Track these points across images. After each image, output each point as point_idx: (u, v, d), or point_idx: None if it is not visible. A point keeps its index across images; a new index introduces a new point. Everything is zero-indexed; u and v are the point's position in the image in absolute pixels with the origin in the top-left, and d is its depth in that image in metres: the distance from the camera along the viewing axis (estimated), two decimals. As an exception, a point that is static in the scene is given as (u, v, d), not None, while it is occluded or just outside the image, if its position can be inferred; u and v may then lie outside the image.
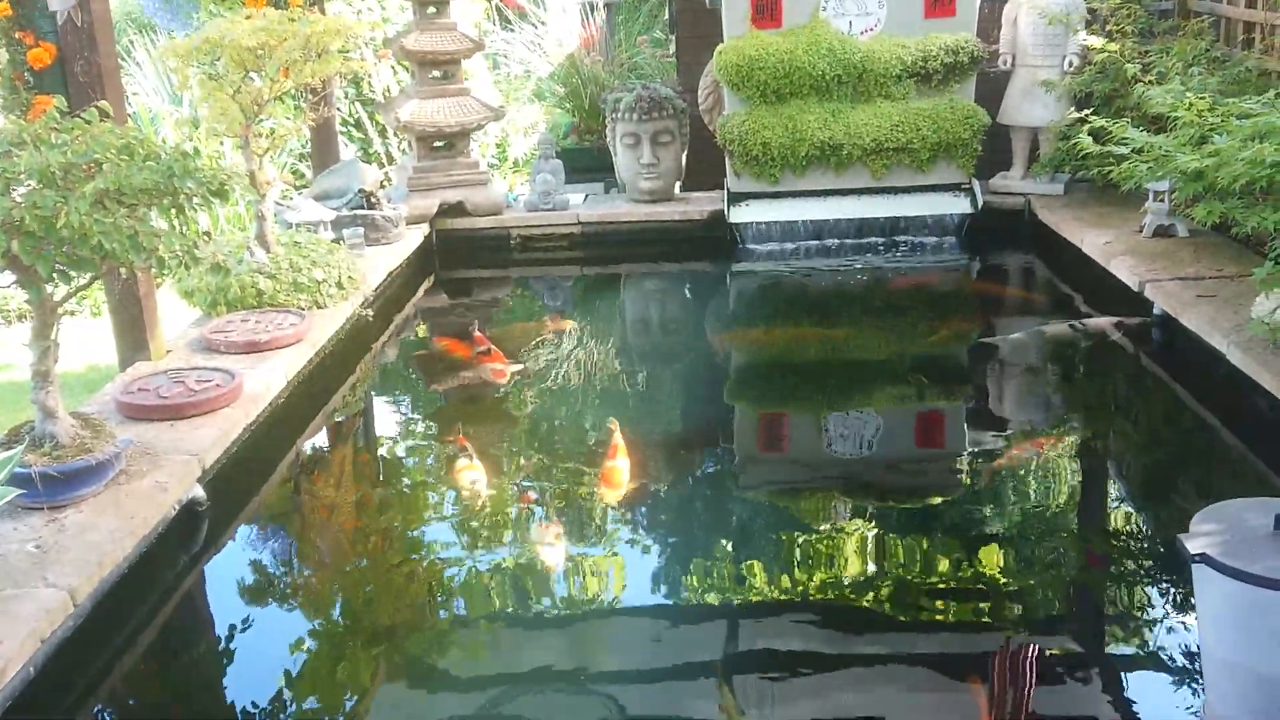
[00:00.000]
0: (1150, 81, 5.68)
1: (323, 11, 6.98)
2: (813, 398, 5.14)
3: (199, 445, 3.90)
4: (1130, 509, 4.14)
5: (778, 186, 7.19)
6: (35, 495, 3.28)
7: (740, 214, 7.22)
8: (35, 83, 4.49)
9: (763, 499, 4.25)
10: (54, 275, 3.15)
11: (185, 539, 3.73)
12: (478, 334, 5.73)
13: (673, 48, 9.01)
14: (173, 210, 3.36)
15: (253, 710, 2.98)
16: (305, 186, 7.91)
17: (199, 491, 3.82)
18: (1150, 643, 3.16)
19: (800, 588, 3.50)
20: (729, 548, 3.78)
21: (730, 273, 7.15)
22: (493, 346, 5.48)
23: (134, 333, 4.76)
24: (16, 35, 4.44)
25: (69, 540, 3.22)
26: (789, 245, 7.30)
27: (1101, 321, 5.47)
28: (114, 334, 4.82)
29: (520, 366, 5.36)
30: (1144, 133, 4.76)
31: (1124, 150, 4.74)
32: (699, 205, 7.51)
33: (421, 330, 6.45)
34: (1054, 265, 6.71)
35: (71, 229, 2.96)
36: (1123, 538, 3.90)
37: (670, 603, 3.52)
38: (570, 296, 7.16)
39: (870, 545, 3.76)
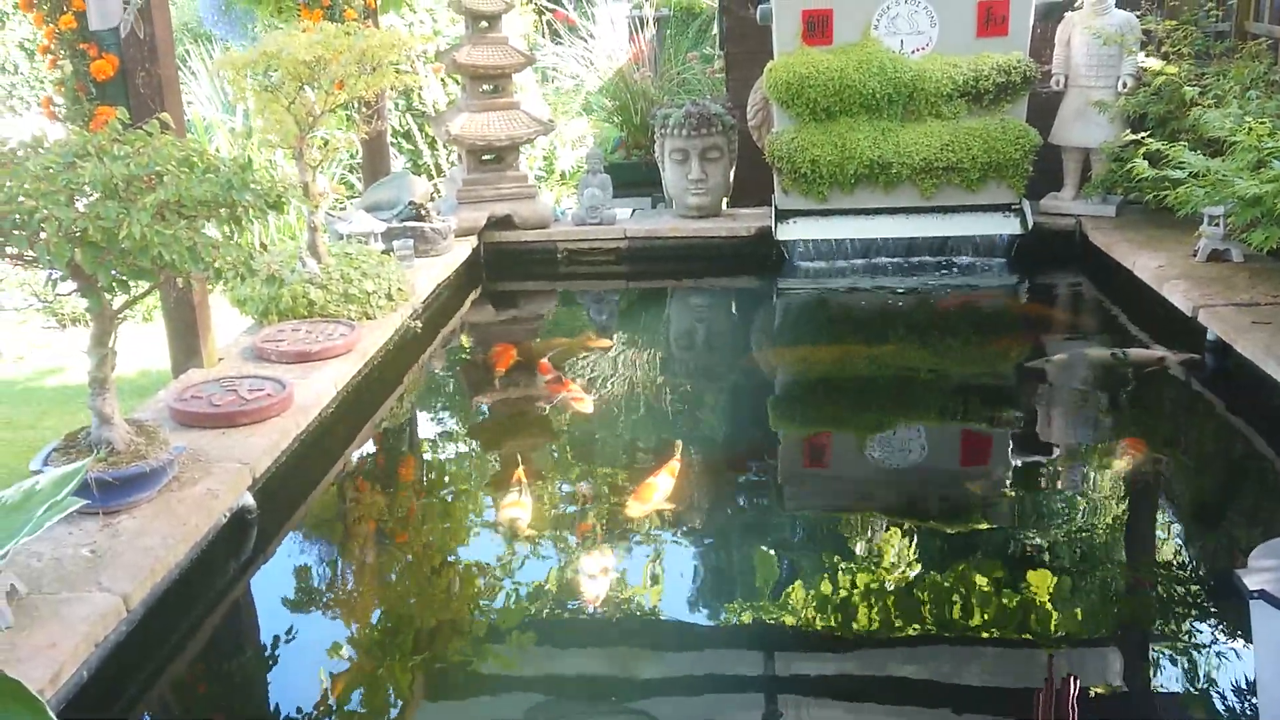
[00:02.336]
0: (1208, 105, 5.61)
1: (376, 25, 7.07)
2: (858, 416, 5.11)
3: (250, 454, 3.94)
4: (1181, 539, 4.08)
5: (826, 204, 7.18)
6: (90, 500, 3.32)
7: (788, 231, 7.21)
8: (97, 94, 4.57)
9: (806, 518, 4.23)
10: (114, 285, 3.19)
11: (235, 546, 3.77)
12: (543, 363, 5.57)
13: (722, 63, 9.02)
14: (230, 222, 3.41)
15: (297, 717, 3.00)
16: (356, 198, 7.99)
17: (249, 499, 3.86)
18: (1201, 679, 3.10)
19: (841, 609, 3.47)
20: (771, 566, 3.77)
21: (777, 290, 7.14)
22: (562, 375, 5.36)
23: (187, 340, 4.82)
24: (80, 47, 4.52)
25: (123, 545, 3.26)
26: (836, 263, 7.28)
27: (1148, 354, 5.37)
28: (168, 341, 4.90)
29: (594, 396, 5.18)
30: (1200, 156, 4.70)
31: (1180, 174, 4.69)
32: (746, 222, 7.50)
33: (467, 342, 6.48)
34: (1104, 288, 6.64)
35: (133, 240, 3.01)
36: (1173, 569, 3.84)
37: (710, 620, 3.51)
38: (616, 311, 7.17)
39: (913, 568, 3.72)
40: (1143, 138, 5.47)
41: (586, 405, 5.04)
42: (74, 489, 2.04)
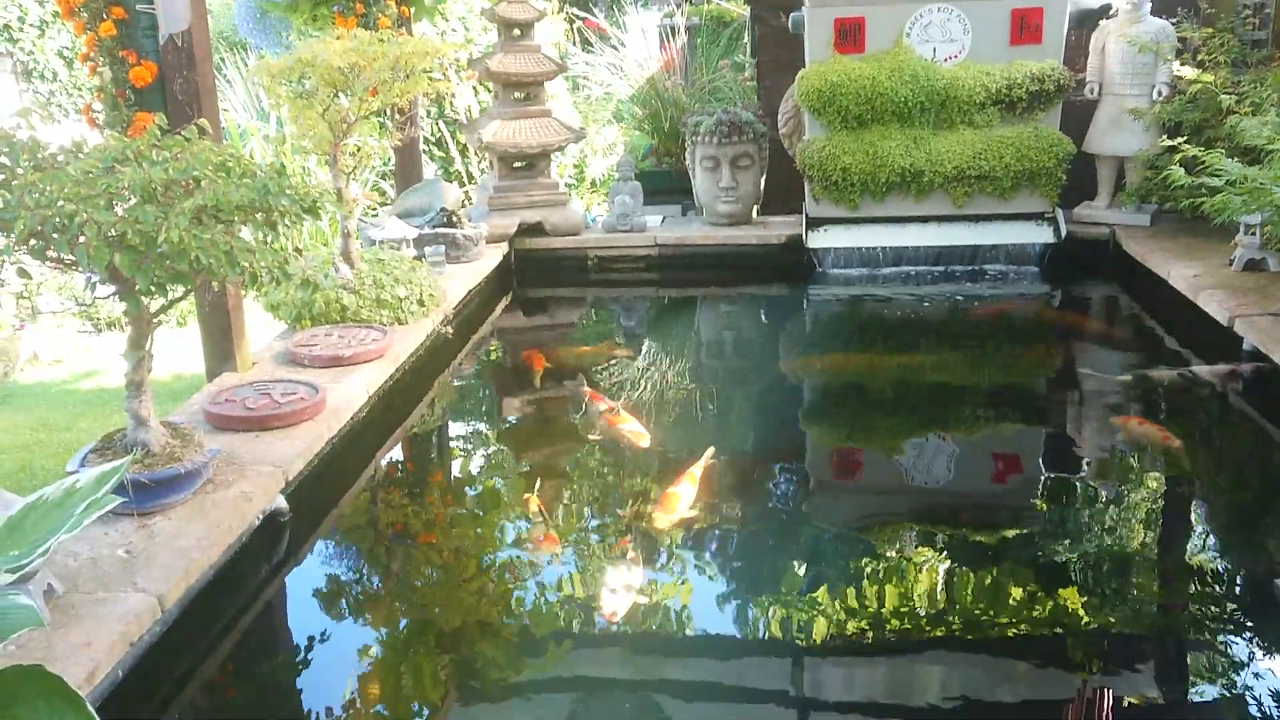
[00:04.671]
0: (1245, 113, 5.56)
1: (410, 33, 7.11)
2: (888, 425, 5.09)
3: (283, 457, 3.97)
4: (1216, 550, 4.03)
5: (857, 212, 7.17)
6: (126, 501, 3.36)
7: (818, 239, 7.20)
8: (136, 100, 4.63)
9: (834, 527, 4.20)
10: (152, 288, 3.23)
11: (268, 548, 3.79)
12: (587, 389, 5.21)
13: (753, 71, 9.03)
14: (265, 227, 3.44)
15: (327, 718, 3.01)
16: (388, 204, 8.04)
17: (282, 503, 3.89)
18: (1238, 691, 3.06)
19: (871, 619, 3.45)
20: (799, 575, 3.75)
21: (807, 298, 7.12)
22: (618, 405, 4.98)
23: (222, 344, 4.87)
24: (119, 54, 4.58)
25: (158, 546, 3.29)
26: (867, 271, 7.26)
27: (1215, 368, 5.21)
28: (202, 344, 4.94)
29: (648, 432, 4.73)
30: (1237, 164, 4.66)
31: (1217, 182, 4.64)
32: (777, 230, 7.50)
33: (497, 348, 6.50)
34: (1139, 297, 6.58)
35: (171, 244, 3.04)
36: (1209, 580, 3.80)
37: (737, 629, 3.49)
38: (646, 318, 7.18)
39: (944, 578, 3.70)
40: (1180, 143, 5.42)
41: (644, 440, 4.65)
42: (113, 487, 2.06)
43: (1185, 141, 5.50)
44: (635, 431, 4.69)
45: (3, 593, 1.92)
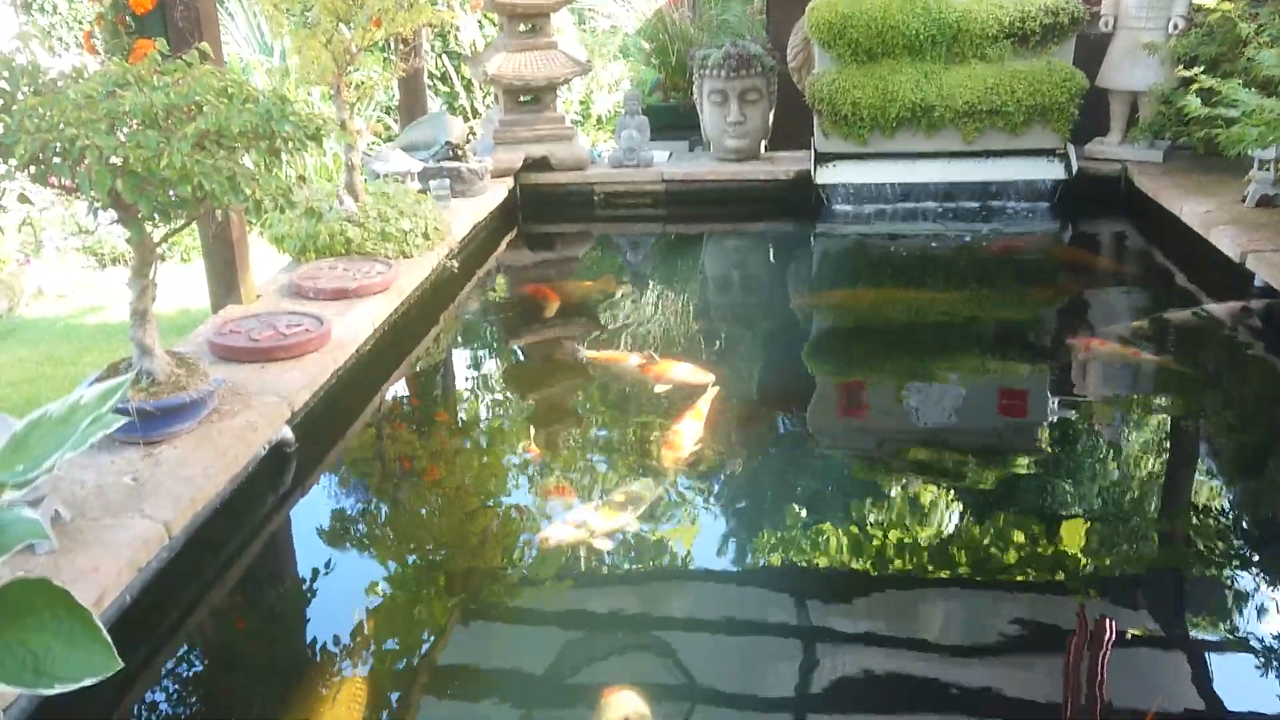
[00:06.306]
0: (1262, 44, 5.46)
1: (414, -38, 6.99)
2: (894, 363, 5.07)
3: (288, 388, 3.96)
4: (1219, 486, 4.02)
5: (866, 147, 7.10)
6: (131, 430, 3.36)
7: (827, 175, 7.13)
8: (136, 27, 4.55)
9: (839, 464, 4.20)
10: (155, 214, 3.19)
11: (274, 479, 3.80)
12: (644, 356, 4.82)
13: (762, 4, 8.89)
14: (269, 154, 3.40)
15: (334, 648, 3.03)
16: (392, 139, 7.97)
17: (288, 433, 3.88)
18: (1240, 624, 3.06)
19: (875, 555, 3.45)
20: (803, 511, 3.74)
21: (814, 234, 7.07)
22: (654, 355, 4.79)
23: (226, 276, 4.84)
24: (119, -20, 4.50)
25: (164, 475, 3.29)
26: (875, 207, 7.20)
27: (1228, 305, 5.20)
28: (206, 277, 4.91)
29: (711, 377, 4.57)
30: (1254, 94, 4.58)
31: (1234, 113, 4.57)
32: (785, 165, 7.43)
33: (503, 283, 6.47)
34: (1150, 234, 6.53)
35: (173, 169, 3.00)
36: (1214, 515, 3.80)
37: (740, 565, 3.49)
38: (652, 254, 7.13)
39: (948, 514, 3.70)
40: (1195, 74, 5.34)
41: (708, 377, 4.53)
42: (117, 402, 2.05)
43: (1201, 73, 5.42)
44: (693, 379, 4.55)
45: (8, 506, 1.91)
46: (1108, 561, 3.40)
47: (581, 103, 9.67)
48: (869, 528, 3.59)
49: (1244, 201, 5.85)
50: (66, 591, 1.78)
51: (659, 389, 4.56)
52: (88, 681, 1.84)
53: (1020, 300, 5.88)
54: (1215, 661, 2.89)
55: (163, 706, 2.79)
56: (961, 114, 6.87)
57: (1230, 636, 3.01)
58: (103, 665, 1.84)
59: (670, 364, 4.68)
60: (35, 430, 1.99)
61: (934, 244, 6.65)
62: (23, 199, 3.13)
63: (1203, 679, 2.83)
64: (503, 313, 5.94)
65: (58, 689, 1.82)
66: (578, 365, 4.94)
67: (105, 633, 1.86)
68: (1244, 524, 3.67)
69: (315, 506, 3.80)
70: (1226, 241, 5.40)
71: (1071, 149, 7.00)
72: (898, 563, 3.39)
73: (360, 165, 5.68)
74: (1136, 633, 3.04)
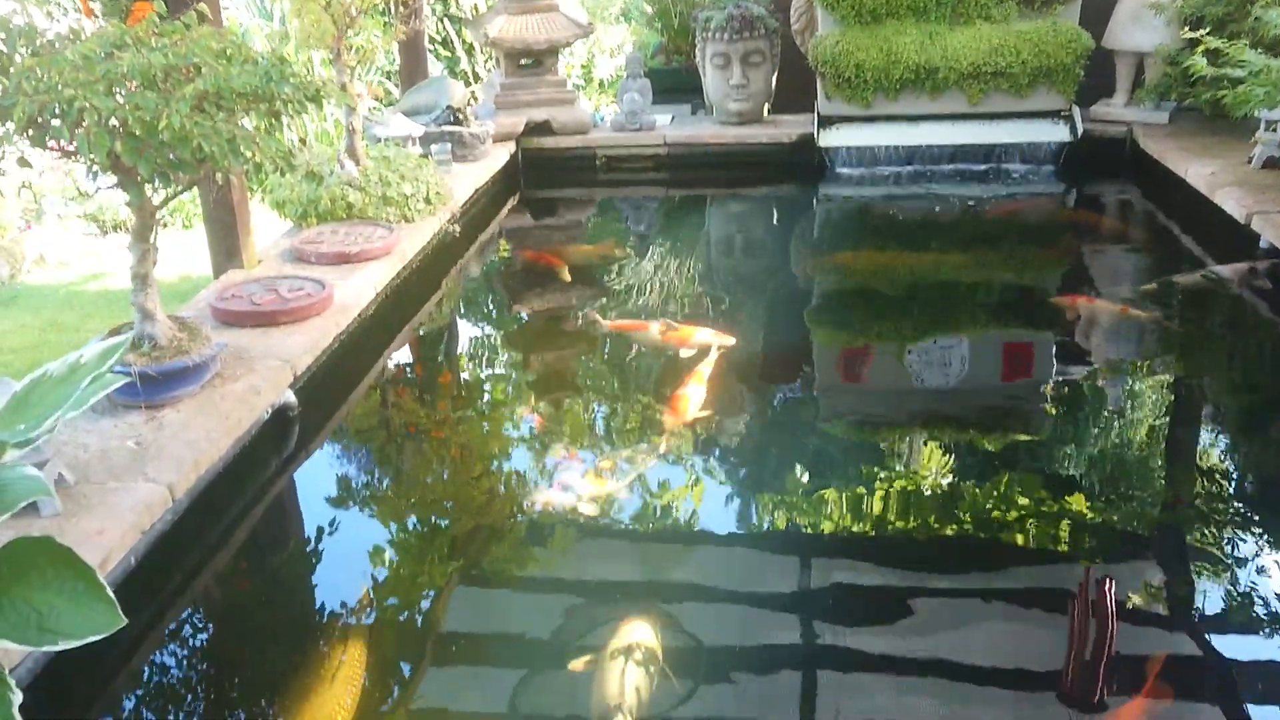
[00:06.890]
0: (1269, 3, 5.41)
1: (413, -76, 6.93)
2: (897, 326, 5.05)
3: (290, 352, 3.95)
4: (1223, 449, 4.02)
5: (869, 110, 7.05)
6: (134, 394, 3.36)
7: (830, 138, 7.09)
8: (134, -11, 4.52)
9: (842, 427, 4.19)
10: (154, 176, 3.18)
11: (277, 442, 3.80)
12: (663, 324, 4.73)
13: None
14: (269, 116, 3.38)
15: (339, 610, 3.04)
16: (393, 103, 7.93)
17: (290, 397, 3.88)
18: (1242, 586, 3.06)
19: (878, 519, 3.45)
20: (806, 475, 3.74)
21: (817, 197, 7.04)
22: (672, 322, 4.75)
23: (227, 241, 4.83)
24: (116, -59, 4.46)
25: (167, 438, 3.29)
26: (879, 170, 7.16)
27: (1236, 266, 5.16)
28: (208, 242, 4.90)
29: (732, 340, 4.57)
30: (1261, 55, 4.54)
31: (1240, 73, 4.53)
32: (788, 128, 7.39)
33: (505, 248, 6.45)
34: (1155, 197, 6.49)
35: (172, 131, 2.98)
36: (1217, 478, 3.79)
37: (743, 529, 3.49)
38: (654, 219, 7.10)
39: (951, 478, 3.69)
40: (1202, 35, 5.29)
41: (729, 340, 4.55)
42: (117, 361, 2.04)
43: (1208, 33, 5.37)
44: (714, 341, 4.53)
45: (11, 465, 1.92)
46: (1111, 522, 3.40)
47: (583, 66, 9.61)
48: (872, 490, 3.59)
49: (1250, 163, 5.81)
50: (70, 550, 1.79)
51: (668, 353, 4.55)
52: (92, 638, 1.85)
53: (1024, 263, 5.85)
54: (1219, 622, 2.89)
55: (169, 668, 2.81)
56: (966, 76, 6.82)
57: (1234, 596, 3.01)
58: (106, 622, 1.85)
59: (692, 329, 4.67)
60: (36, 389, 1.99)
61: (938, 207, 6.61)
62: (22, 163, 3.12)
63: (1205, 640, 2.83)
64: (505, 278, 5.92)
65: (62, 645, 1.83)
66: (580, 330, 4.94)
67: (109, 590, 1.87)
68: (1248, 485, 3.67)
69: (318, 470, 3.81)
70: (1232, 203, 5.37)
71: (1077, 111, 6.95)
72: (900, 525, 3.39)
73: (361, 129, 5.65)
74: (1138, 596, 3.04)
